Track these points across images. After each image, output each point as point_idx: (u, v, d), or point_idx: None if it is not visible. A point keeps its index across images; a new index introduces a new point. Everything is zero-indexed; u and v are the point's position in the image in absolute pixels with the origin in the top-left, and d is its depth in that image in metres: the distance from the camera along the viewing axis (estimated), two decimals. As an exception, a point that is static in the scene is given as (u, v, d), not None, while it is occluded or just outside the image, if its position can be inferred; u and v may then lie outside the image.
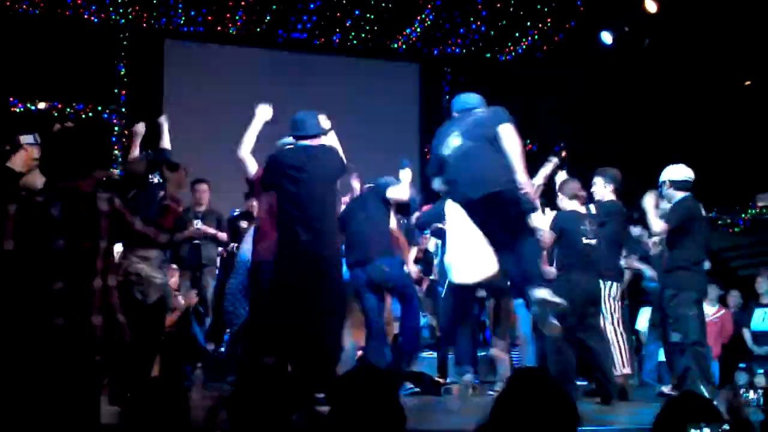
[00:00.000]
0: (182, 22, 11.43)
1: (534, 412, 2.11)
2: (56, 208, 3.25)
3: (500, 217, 4.99)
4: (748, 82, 11.00)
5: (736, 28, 10.02)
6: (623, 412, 5.56)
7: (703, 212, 6.52)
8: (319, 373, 5.03)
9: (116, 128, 11.30)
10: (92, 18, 11.08)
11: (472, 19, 11.72)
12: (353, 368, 2.69)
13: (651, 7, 10.03)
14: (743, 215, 10.93)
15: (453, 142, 5.15)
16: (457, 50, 12.57)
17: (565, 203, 6.29)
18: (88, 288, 3.28)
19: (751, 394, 5.86)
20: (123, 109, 11.35)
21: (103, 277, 3.32)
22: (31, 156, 5.17)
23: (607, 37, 10.97)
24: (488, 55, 12.59)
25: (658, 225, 6.16)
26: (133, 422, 2.61)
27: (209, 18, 11.39)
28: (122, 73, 11.45)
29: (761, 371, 7.14)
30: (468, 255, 6.32)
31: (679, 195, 6.32)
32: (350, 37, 11.99)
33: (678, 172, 6.42)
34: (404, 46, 12.40)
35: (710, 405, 2.16)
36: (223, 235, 7.91)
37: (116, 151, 11.20)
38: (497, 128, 5.06)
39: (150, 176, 5.84)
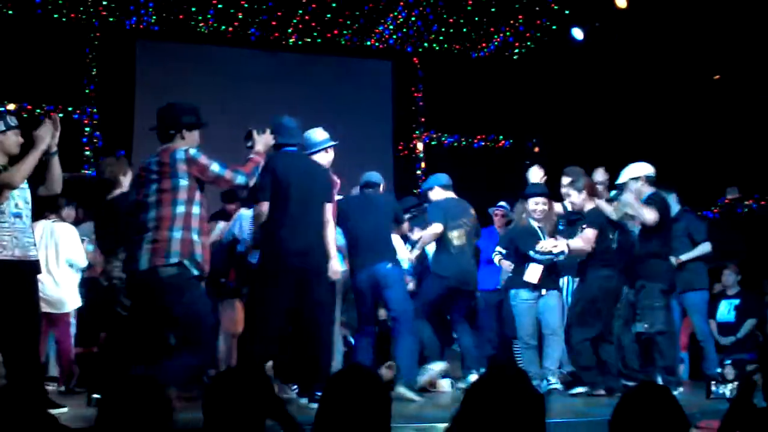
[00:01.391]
0: (153, 21, 11.36)
1: (502, 403, 2.15)
2: None
3: None
4: (717, 77, 11.13)
5: (705, 23, 10.14)
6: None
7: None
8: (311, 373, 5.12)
9: (87, 129, 11.22)
10: (62, 18, 10.99)
11: (444, 16, 11.76)
12: (343, 368, 2.71)
13: (621, 3, 10.12)
14: (712, 208, 11.07)
15: None
16: (430, 47, 12.61)
17: (586, 200, 6.35)
18: None
19: (721, 389, 5.92)
20: (94, 110, 11.27)
21: None
22: (5, 145, 4.79)
23: (578, 33, 11.07)
24: (460, 51, 12.64)
25: (651, 215, 6.18)
26: (111, 422, 2.60)
27: (180, 17, 11.33)
28: (93, 73, 11.36)
29: (728, 362, 7.27)
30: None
31: (649, 190, 6.41)
32: (323, 35, 11.99)
33: (647, 168, 6.51)
34: (377, 44, 12.42)
35: (669, 395, 2.21)
36: None
37: (87, 152, 11.13)
38: None
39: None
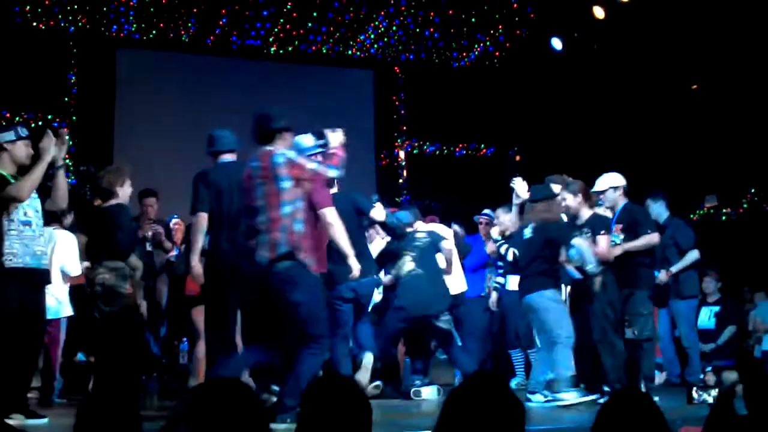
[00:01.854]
0: (134, 29, 11.33)
1: (481, 411, 2.16)
2: None
3: None
4: (695, 86, 11.25)
5: (683, 34, 10.25)
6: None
7: None
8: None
9: (67, 137, 11.12)
10: (42, 26, 10.93)
11: (425, 25, 11.81)
12: (321, 377, 2.71)
13: (599, 13, 10.21)
14: (692, 216, 11.17)
15: None
16: (411, 56, 12.66)
17: (582, 203, 6.29)
18: None
19: (703, 395, 5.93)
20: (73, 118, 11.21)
21: None
22: (15, 155, 4.83)
23: (557, 44, 11.15)
24: (441, 61, 12.69)
25: (602, 245, 6.17)
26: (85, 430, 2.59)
27: (161, 25, 11.31)
28: (73, 81, 11.30)
29: (709, 368, 7.31)
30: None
31: (625, 200, 6.44)
32: (304, 44, 12.01)
33: (622, 178, 6.54)
34: (358, 53, 12.45)
35: (650, 401, 2.22)
36: (168, 244, 7.84)
37: (67, 160, 11.04)
38: None
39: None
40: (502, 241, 7.34)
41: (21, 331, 4.70)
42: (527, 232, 6.17)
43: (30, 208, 4.86)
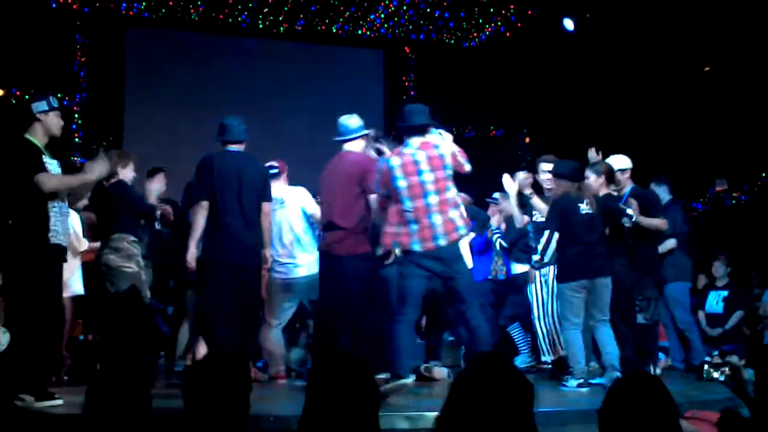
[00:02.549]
0: (143, 7, 11.30)
1: (490, 392, 2.15)
2: None
3: None
4: (707, 68, 11.16)
5: (697, 15, 10.16)
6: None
7: None
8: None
9: (76, 116, 11.16)
10: (52, 3, 10.91)
11: (435, 5, 11.74)
12: (329, 358, 2.71)
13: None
14: (702, 200, 11.12)
15: None
16: (422, 36, 12.59)
17: (602, 185, 6.20)
18: None
19: (713, 372, 5.96)
20: (84, 96, 11.21)
21: None
22: (47, 125, 4.82)
23: (569, 24, 11.07)
24: (452, 41, 12.62)
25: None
26: (95, 411, 2.60)
27: (170, 3, 11.28)
28: (83, 60, 11.29)
29: (716, 353, 7.29)
30: None
31: (631, 184, 6.42)
32: (314, 23, 11.95)
33: (629, 161, 6.50)
34: (368, 33, 12.39)
35: (660, 384, 2.21)
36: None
37: (76, 139, 11.07)
38: None
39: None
40: (497, 230, 7.38)
41: (48, 306, 4.72)
42: (584, 208, 5.87)
43: None
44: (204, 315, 5.66)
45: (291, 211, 6.39)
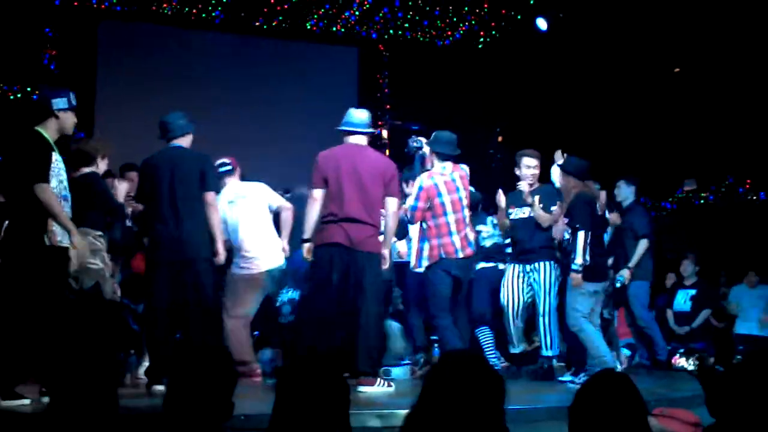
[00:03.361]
0: (115, 1, 11.18)
1: (461, 386, 2.17)
2: None
3: None
4: (677, 69, 11.28)
5: (668, 16, 10.26)
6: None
7: None
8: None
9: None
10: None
11: (410, 3, 11.74)
12: (299, 356, 2.70)
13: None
14: (670, 199, 11.24)
15: None
16: (396, 34, 12.59)
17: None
18: None
19: (685, 363, 6.05)
20: (54, 90, 11.07)
21: None
22: (62, 124, 4.72)
23: (542, 24, 11.13)
24: (426, 39, 12.64)
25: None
26: (61, 411, 2.58)
27: (144, -2, 11.17)
28: (54, 53, 11.15)
29: (682, 350, 7.39)
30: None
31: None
32: (289, 19, 11.90)
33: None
34: (342, 30, 12.36)
35: (628, 382, 2.24)
36: None
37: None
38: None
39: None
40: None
41: (55, 308, 4.64)
42: (599, 209, 6.15)
43: (66, 180, 4.78)
44: (144, 315, 5.76)
45: (252, 206, 6.40)
